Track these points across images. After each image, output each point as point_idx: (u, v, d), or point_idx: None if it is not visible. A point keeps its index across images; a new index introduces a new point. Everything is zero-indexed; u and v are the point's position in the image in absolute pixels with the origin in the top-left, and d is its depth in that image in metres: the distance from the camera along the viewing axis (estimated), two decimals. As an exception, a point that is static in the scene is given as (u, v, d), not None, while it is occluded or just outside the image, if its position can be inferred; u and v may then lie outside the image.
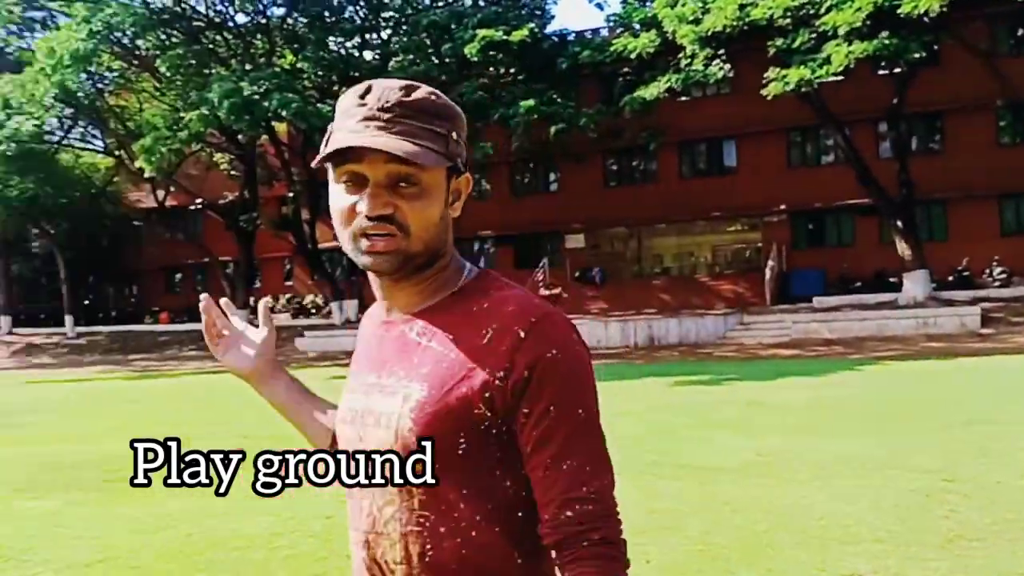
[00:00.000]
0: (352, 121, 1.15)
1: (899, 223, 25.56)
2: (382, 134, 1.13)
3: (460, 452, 1.14)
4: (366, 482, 1.20)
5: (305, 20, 28.20)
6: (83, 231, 38.78)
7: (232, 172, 34.25)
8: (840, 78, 21.35)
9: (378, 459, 1.17)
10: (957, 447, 7.56)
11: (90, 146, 36.79)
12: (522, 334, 1.14)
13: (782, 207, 31.82)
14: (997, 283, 27.07)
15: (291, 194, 32.22)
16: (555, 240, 35.60)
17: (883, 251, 29.69)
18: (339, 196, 1.17)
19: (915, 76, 25.11)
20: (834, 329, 23.92)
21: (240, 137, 29.56)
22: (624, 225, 35.44)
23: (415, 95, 1.17)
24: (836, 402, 11.11)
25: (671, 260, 38.41)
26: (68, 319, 37.01)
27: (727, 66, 22.57)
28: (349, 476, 1.23)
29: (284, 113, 23.01)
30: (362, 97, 1.17)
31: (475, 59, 24.51)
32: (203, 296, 1.47)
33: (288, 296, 38.60)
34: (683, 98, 31.04)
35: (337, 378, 20.25)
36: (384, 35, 29.56)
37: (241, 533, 5.78)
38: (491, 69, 26.69)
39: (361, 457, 1.20)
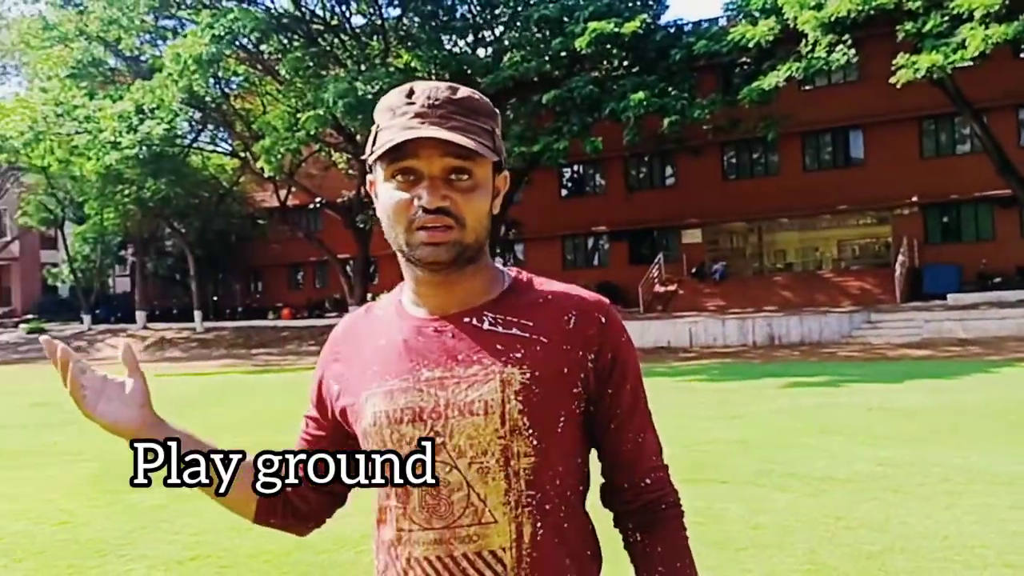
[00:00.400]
0: (404, 119, 1.19)
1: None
2: (438, 128, 1.17)
3: (559, 430, 1.22)
4: (462, 471, 1.19)
5: (419, 20, 28.45)
6: (212, 230, 40.54)
7: (349, 171, 34.98)
8: (974, 63, 19.83)
9: (472, 448, 1.19)
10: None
11: (218, 148, 38.30)
12: (603, 319, 1.26)
13: (913, 199, 30.15)
14: None
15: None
16: (671, 235, 34.86)
17: (1025, 245, 27.78)
18: (392, 192, 1.20)
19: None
20: (970, 328, 22.41)
21: (357, 137, 30.12)
22: (744, 219, 34.37)
23: (461, 93, 1.23)
24: (968, 408, 10.27)
25: (794, 256, 37.05)
26: (197, 314, 38.67)
27: (852, 52, 21.34)
28: (416, 476, 1.21)
29: None
30: (409, 96, 1.21)
31: (586, 52, 24.07)
32: (44, 340, 1.30)
33: (406, 292, 39.30)
34: (806, 87, 29.84)
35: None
36: (497, 32, 29.53)
37: (333, 534, 5.68)
38: (603, 62, 26.18)
39: (450, 447, 1.20)
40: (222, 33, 23.77)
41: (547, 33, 25.37)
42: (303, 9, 29.06)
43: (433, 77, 30.39)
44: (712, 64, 26.25)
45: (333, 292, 41.45)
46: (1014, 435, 8.28)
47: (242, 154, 34.81)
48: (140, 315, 40.61)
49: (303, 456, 1.38)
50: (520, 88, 27.53)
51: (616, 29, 22.92)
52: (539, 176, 32.48)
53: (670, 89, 24.09)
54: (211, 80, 31.45)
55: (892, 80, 20.98)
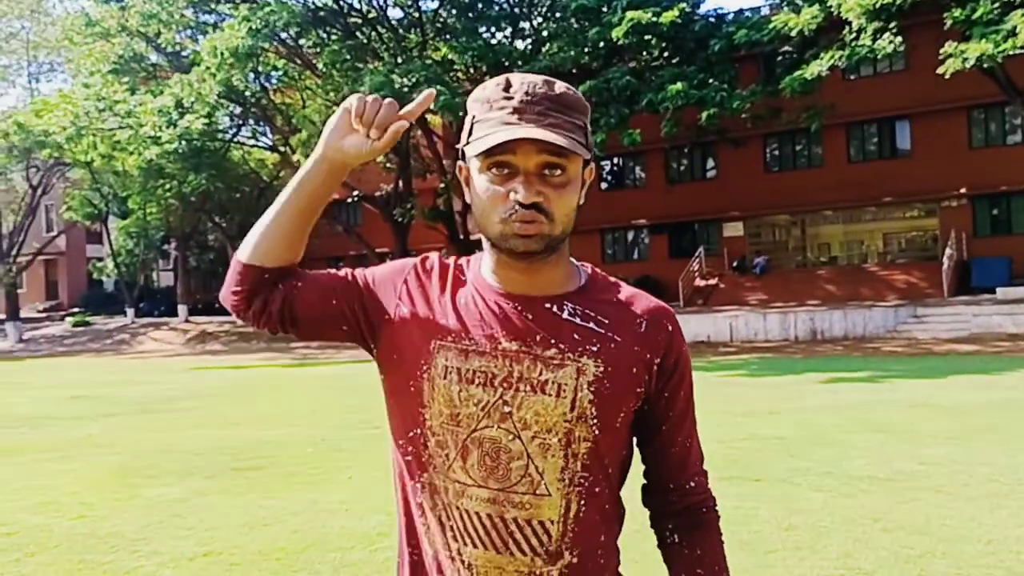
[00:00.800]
0: (502, 113, 1.24)
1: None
2: (534, 127, 1.21)
3: (617, 424, 1.31)
4: (524, 443, 1.27)
5: (456, 11, 28.29)
6: (252, 224, 40.62)
7: (388, 164, 35.00)
8: (1024, 51, 19.14)
9: (537, 424, 1.26)
10: None
11: (258, 143, 38.56)
12: (670, 328, 1.35)
13: (962, 191, 29.36)
14: None
15: (443, 185, 32.62)
16: (712, 228, 34.38)
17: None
18: (487, 184, 1.25)
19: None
20: (1021, 323, 21.74)
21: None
22: (787, 212, 33.78)
23: (557, 88, 1.27)
24: (1017, 406, 9.88)
25: (838, 249, 36.32)
26: (238, 308, 39.04)
27: (898, 39, 20.71)
28: (486, 438, 1.28)
29: (432, 105, 23.13)
30: (506, 90, 1.26)
31: (623, 43, 23.71)
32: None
33: (444, 286, 39.29)
34: (851, 76, 29.15)
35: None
36: (535, 23, 29.29)
37: (348, 531, 5.58)
38: (642, 53, 25.76)
39: (516, 419, 1.27)
40: (259, 26, 23.80)
41: (585, 23, 25.04)
42: (341, 3, 29.07)
43: (471, 70, 30.27)
44: (753, 54, 25.72)
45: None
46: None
47: (282, 148, 35.01)
48: (182, 309, 41.10)
49: (296, 292, 1.42)
50: (558, 78, 27.27)
51: (654, 19, 22.54)
52: (579, 169, 32.20)
53: (709, 80, 23.65)
54: (251, 74, 31.65)
55: (940, 70, 20.36)
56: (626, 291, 1.38)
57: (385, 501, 6.48)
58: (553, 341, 1.29)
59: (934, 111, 29.18)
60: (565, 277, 1.36)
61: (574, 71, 26.34)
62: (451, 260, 1.43)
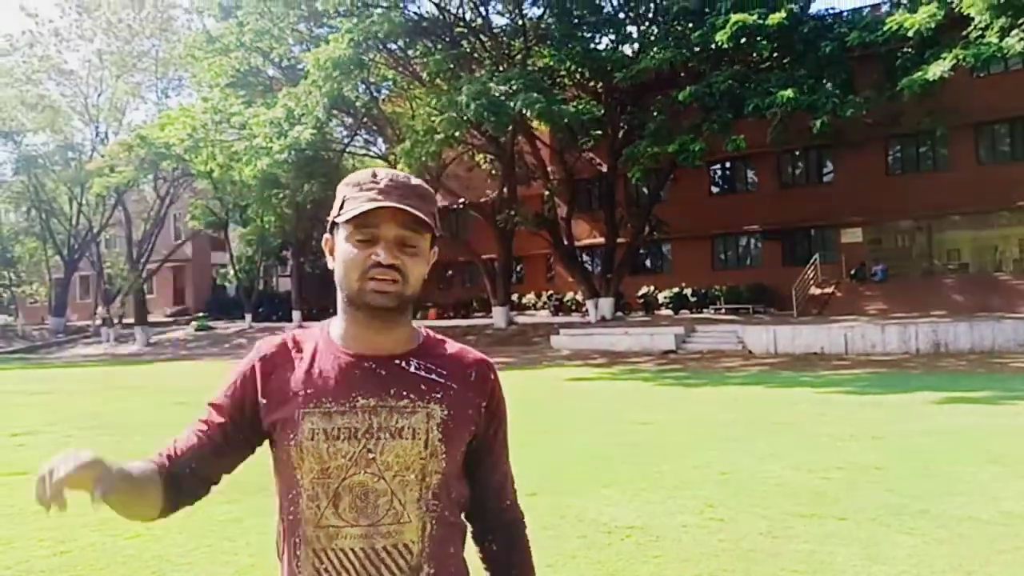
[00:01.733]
0: (371, 192, 1.49)
1: None
2: (401, 201, 1.48)
3: (458, 456, 1.55)
4: (387, 482, 1.47)
5: (558, 18, 28.05)
6: (364, 231, 41.58)
7: (493, 172, 35.05)
8: None
9: (397, 464, 1.47)
10: None
11: (369, 152, 39.30)
12: (492, 376, 1.63)
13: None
14: None
15: (549, 191, 32.39)
16: (829, 234, 32.93)
17: None
18: (352, 250, 1.50)
19: None
20: None
21: (501, 138, 30.09)
22: (910, 218, 32.00)
23: (414, 181, 1.55)
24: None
25: (968, 255, 34.18)
26: (346, 313, 39.86)
27: (1031, 35, 19.31)
28: (356, 483, 1.47)
29: (528, 112, 22.93)
30: (374, 177, 1.52)
31: (727, 46, 22.87)
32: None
33: (549, 293, 39.01)
34: (979, 74, 27.38)
35: (576, 379, 19.78)
36: (640, 28, 28.72)
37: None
38: (748, 55, 24.80)
39: (379, 463, 1.47)
40: (360, 37, 24.18)
41: (689, 26, 24.34)
42: (446, 12, 29.27)
43: (576, 75, 29.98)
44: (868, 54, 24.38)
45: (480, 292, 41.74)
46: None
47: (391, 158, 35.57)
48: (296, 314, 42.28)
49: (194, 464, 1.56)
50: (661, 83, 26.59)
51: (760, 20, 21.64)
52: (686, 173, 31.44)
53: (822, 83, 22.56)
54: (360, 85, 32.27)
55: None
56: (452, 346, 1.64)
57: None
58: (405, 392, 1.51)
59: (1074, 108, 27.12)
60: (408, 337, 1.58)
61: (682, 75, 25.66)
62: (287, 336, 1.62)
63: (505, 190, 32.53)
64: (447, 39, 29.08)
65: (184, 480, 1.55)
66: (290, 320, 43.00)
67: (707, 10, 23.39)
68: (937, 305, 27.74)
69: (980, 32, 19.81)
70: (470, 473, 1.62)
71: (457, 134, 25.15)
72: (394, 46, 30.24)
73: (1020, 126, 29.09)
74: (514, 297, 36.72)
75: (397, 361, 1.54)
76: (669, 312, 34.11)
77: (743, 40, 22.36)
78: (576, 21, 27.37)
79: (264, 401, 1.54)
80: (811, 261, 31.61)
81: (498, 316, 33.84)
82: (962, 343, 22.29)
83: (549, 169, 31.56)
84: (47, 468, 1.30)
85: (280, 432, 1.51)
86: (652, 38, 26.13)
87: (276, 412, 1.52)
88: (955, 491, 6.56)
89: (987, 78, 27.63)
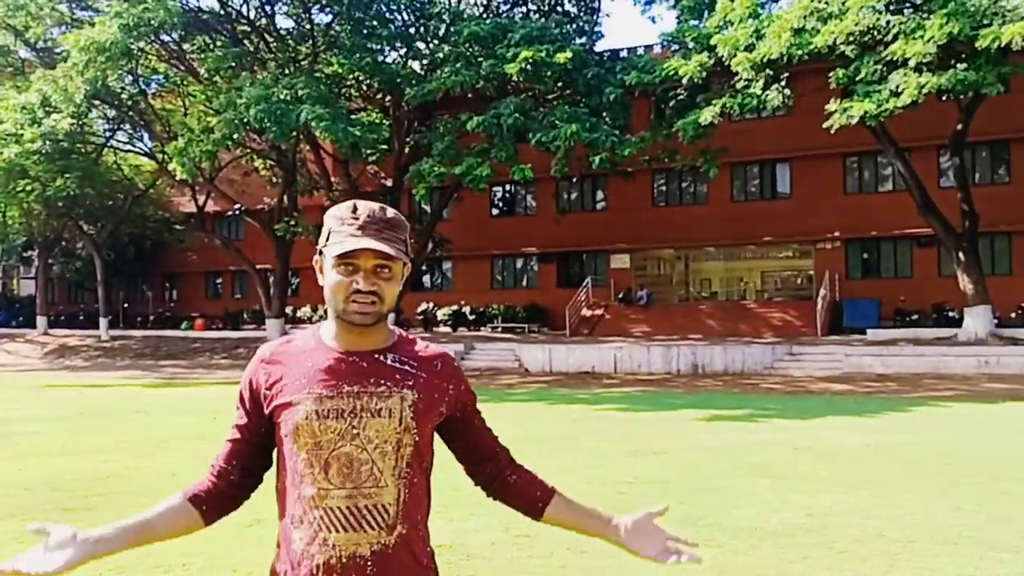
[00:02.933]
0: (351, 228, 1.77)
1: (961, 255, 24.04)
2: (372, 240, 1.75)
3: (427, 432, 1.84)
4: (368, 452, 1.76)
5: (349, 27, 27.62)
6: (125, 233, 38.72)
7: (273, 179, 33.81)
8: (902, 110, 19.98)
9: (377, 438, 1.76)
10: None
11: (134, 148, 36.71)
12: (455, 365, 1.93)
13: (836, 234, 30.46)
14: (1065, 323, 25.40)
15: (330, 203, 31.65)
16: (600, 259, 34.58)
17: (942, 284, 28.18)
18: (337, 276, 1.78)
19: (980, 103, 23.67)
20: (889, 364, 22.54)
21: (283, 145, 29.09)
22: (671, 246, 34.32)
23: (389, 214, 1.81)
24: (894, 452, 9.92)
25: (719, 284, 37.17)
26: (103, 322, 36.85)
27: (787, 92, 21.36)
28: (342, 454, 1.76)
29: (314, 126, 22.30)
30: (354, 212, 1.79)
31: (516, 79, 23.52)
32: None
33: (326, 307, 38.05)
34: (736, 119, 29.91)
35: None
36: (430, 46, 28.84)
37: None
38: (535, 88, 25.55)
39: (362, 437, 1.76)
40: (132, 23, 22.48)
41: (479, 50, 24.74)
42: (228, 8, 27.95)
43: (363, 87, 29.58)
44: (646, 92, 26.01)
45: (253, 303, 40.01)
46: (944, 484, 7.89)
47: (160, 156, 33.40)
48: (40, 320, 38.53)
49: (235, 461, 1.90)
50: (449, 103, 26.78)
51: (547, 57, 22.42)
52: (469, 194, 31.86)
53: (603, 122, 23.75)
54: (127, 76, 30.09)
55: (825, 125, 21.03)
56: (422, 343, 1.92)
57: (229, 555, 5.81)
58: (383, 380, 1.80)
59: (813, 156, 30.26)
60: (386, 337, 1.87)
61: (470, 95, 26.00)
62: (284, 339, 1.93)
63: (285, 198, 31.46)
64: (228, 36, 27.76)
65: (220, 489, 1.90)
66: (33, 327, 39.11)
67: (498, 37, 23.88)
68: (694, 329, 29.87)
69: (746, 83, 21.68)
70: (461, 439, 1.96)
71: (236, 136, 23.92)
72: (168, 38, 28.49)
73: (768, 168, 32.06)
74: (288, 310, 35.48)
75: (376, 355, 1.83)
76: (448, 329, 34.37)
77: (532, 73, 23.00)
78: (366, 32, 27.04)
79: (268, 392, 1.84)
80: (583, 284, 33.06)
81: (272, 329, 32.58)
82: (717, 365, 24.11)
83: (333, 180, 30.84)
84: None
85: (281, 415, 1.81)
86: (442, 57, 26.34)
87: (278, 399, 1.82)
88: (738, 503, 6.98)
89: (742, 122, 30.22)
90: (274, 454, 1.91)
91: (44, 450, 10.48)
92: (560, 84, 25.19)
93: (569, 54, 22.71)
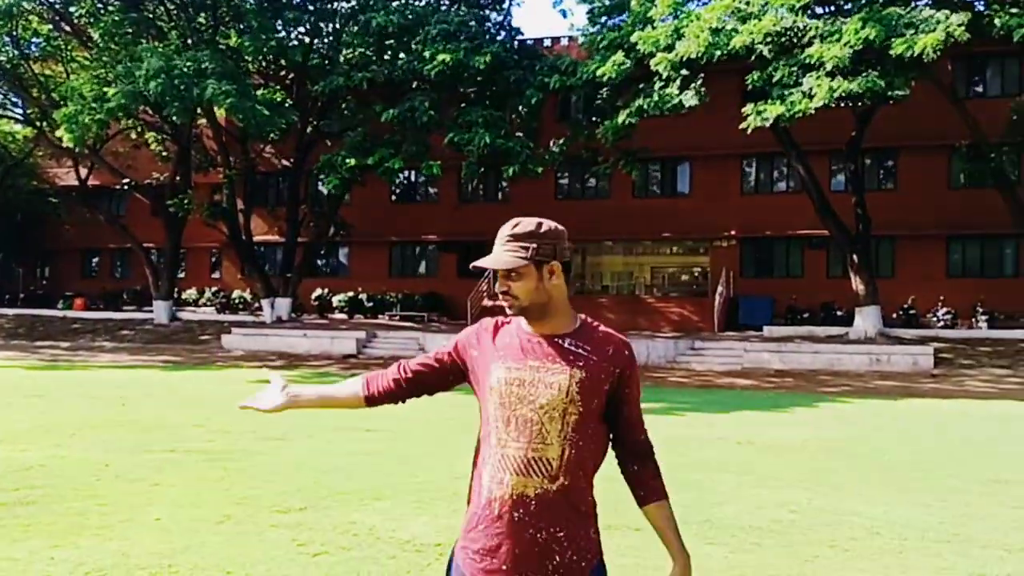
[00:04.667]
0: (495, 244, 2.25)
1: (854, 257, 25.17)
2: (496, 254, 2.23)
3: (592, 406, 2.17)
4: (539, 415, 2.15)
5: (254, 3, 26.50)
6: (-8, 202, 36.01)
7: (164, 153, 32.17)
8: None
9: (548, 405, 2.15)
10: (1012, 515, 6.66)
11: (9, 114, 34.25)
12: (627, 353, 2.25)
13: (732, 232, 31.36)
14: (941, 323, 26.96)
15: (227, 181, 30.38)
16: (501, 250, 34.40)
17: (830, 284, 29.46)
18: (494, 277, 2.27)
19: (876, 111, 24.83)
20: (786, 360, 23.37)
21: (173, 117, 27.70)
22: (571, 240, 34.38)
23: (515, 229, 2.24)
24: (835, 446, 10.21)
25: (612, 279, 37.69)
26: (-30, 299, 34.31)
27: (703, 91, 21.79)
28: (520, 414, 2.18)
29: (217, 104, 21.25)
30: (501, 231, 2.26)
31: (433, 79, 23.09)
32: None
33: (214, 289, 36.60)
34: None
35: (265, 381, 18.59)
36: (337, 25, 27.97)
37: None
38: (454, 86, 25.07)
39: (536, 403, 2.16)
40: (29, -20, 20.93)
41: (387, 45, 24.15)
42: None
43: (266, 64, 28.45)
44: (560, 93, 26.03)
45: (134, 283, 38.03)
46: (898, 480, 8.13)
47: (38, 123, 31.26)
48: None
49: (418, 378, 2.41)
50: (357, 89, 25.97)
51: (465, 59, 22.11)
52: (370, 178, 31.21)
53: (515, 127, 23.71)
54: (6, 38, 28.05)
55: (742, 126, 21.50)
56: (604, 331, 2.27)
57: (212, 554, 5.38)
58: (558, 359, 2.19)
59: (712, 156, 31.06)
60: (566, 323, 2.25)
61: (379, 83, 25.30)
62: (496, 319, 2.36)
63: (178, 176, 29.99)
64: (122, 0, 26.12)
65: (390, 386, 2.40)
66: None
67: (411, 29, 23.36)
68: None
69: (664, 83, 21.98)
70: (617, 414, 2.25)
71: (132, 108, 22.57)
72: (53, -1, 26.69)
73: (669, 166, 32.68)
74: (176, 291, 33.91)
75: (557, 339, 2.23)
76: (343, 316, 33.60)
77: (449, 75, 22.64)
78: (267, 6, 25.93)
79: (475, 352, 2.32)
80: (485, 275, 32.88)
81: (160, 311, 31.09)
82: (622, 358, 24.38)
83: (232, 159, 29.60)
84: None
85: (481, 377, 2.28)
86: (348, 43, 25.54)
87: (479, 364, 2.29)
88: (715, 500, 6.97)
89: (647, 120, 30.68)
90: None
91: (-56, 439, 9.57)
92: (479, 87, 24.85)
93: (489, 57, 22.48)
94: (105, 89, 22.55)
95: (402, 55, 23.05)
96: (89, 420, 11.45)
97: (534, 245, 2.20)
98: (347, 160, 23.67)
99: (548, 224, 2.27)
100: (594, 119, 24.02)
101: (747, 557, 5.31)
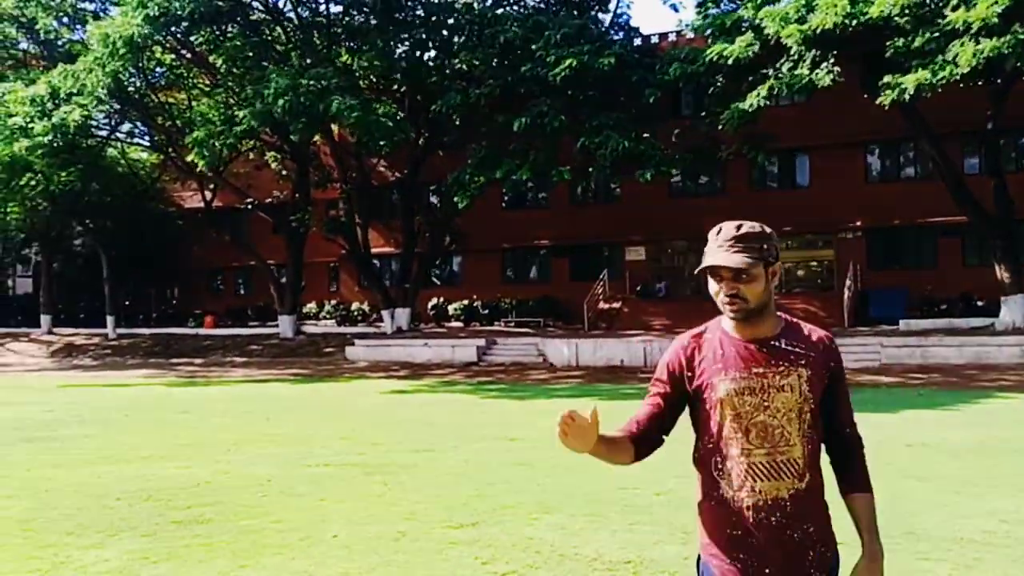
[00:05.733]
0: (713, 246, 2.27)
1: (998, 243, 23.67)
2: (727, 254, 2.22)
3: (820, 400, 2.25)
4: (778, 419, 2.22)
5: (365, 18, 26.90)
6: (127, 229, 37.77)
7: (283, 171, 33.06)
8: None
9: (784, 408, 2.21)
10: None
11: (141, 142, 35.86)
12: (834, 346, 2.35)
13: (857, 223, 30.09)
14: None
15: (344, 196, 30.97)
16: (615, 251, 34.04)
17: (967, 273, 27.89)
18: (712, 282, 2.28)
19: (1011, 89, 23.31)
20: (928, 355, 22.14)
21: (293, 136, 28.40)
22: (685, 238, 33.79)
23: (742, 231, 2.26)
24: (1020, 446, 9.48)
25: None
26: (109, 319, 36.01)
27: (836, 69, 20.71)
28: (758, 422, 2.23)
29: (344, 119, 21.56)
30: (718, 234, 2.29)
31: (558, 84, 22.82)
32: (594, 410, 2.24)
33: (334, 302, 37.41)
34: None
35: (396, 392, 18.82)
36: (456, 39, 28.07)
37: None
38: (576, 90, 24.68)
39: (772, 408, 2.22)
40: (156, 13, 21.74)
41: (513, 57, 24.01)
42: (243, -4, 27.19)
43: (379, 79, 28.84)
44: (687, 84, 25.45)
45: (256, 300, 39.26)
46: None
47: (167, 149, 32.57)
48: (45, 319, 37.63)
49: (654, 422, 2.37)
50: (474, 106, 25.92)
51: (590, 61, 21.78)
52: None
53: (645, 134, 23.34)
54: (132, 69, 29.34)
55: (879, 100, 20.38)
56: (807, 326, 2.37)
57: (400, 574, 5.26)
58: (782, 362, 2.25)
59: (832, 145, 29.89)
60: (775, 324, 2.32)
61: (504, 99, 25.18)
62: (695, 332, 2.39)
63: (297, 193, 30.76)
64: (241, 24, 26.94)
65: (645, 440, 2.36)
66: (36, 326, 38.14)
67: (532, 39, 23.19)
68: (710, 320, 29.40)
69: (793, 63, 21.08)
70: (829, 407, 2.31)
71: (261, 128, 23.21)
72: (176, 28, 27.71)
73: (787, 157, 31.60)
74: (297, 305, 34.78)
75: (772, 342, 2.27)
76: (459, 324, 33.80)
77: (574, 78, 22.39)
78: (382, 23, 26.27)
79: (689, 374, 2.32)
80: (600, 277, 32.53)
81: (285, 325, 31.93)
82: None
83: (347, 173, 30.16)
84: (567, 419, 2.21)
85: (704, 392, 2.29)
86: (468, 56, 25.60)
87: (698, 379, 2.30)
88: (914, 510, 6.46)
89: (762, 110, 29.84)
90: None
91: (109, 455, 9.87)
92: (602, 90, 24.50)
93: (613, 59, 22.14)
94: (234, 112, 23.27)
95: (526, 64, 22.91)
96: (240, 435, 11.66)
97: (764, 246, 2.24)
98: (476, 177, 23.76)
99: (767, 227, 2.30)
100: (714, 109, 23.24)
101: (970, 574, 4.85)
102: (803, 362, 2.23)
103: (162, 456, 9.85)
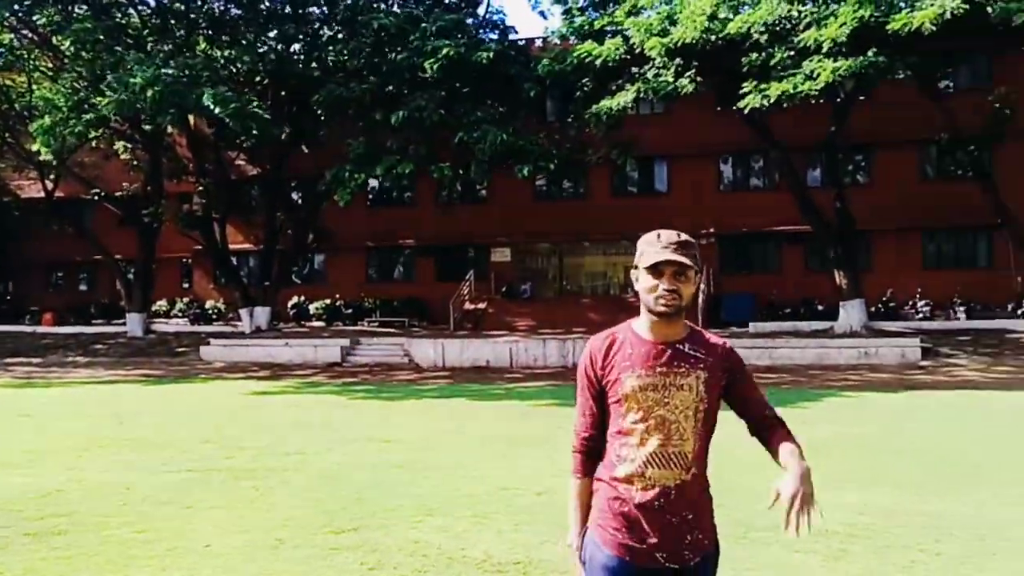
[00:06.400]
0: (657, 248, 2.50)
1: (838, 251, 25.29)
2: (675, 255, 2.47)
3: (714, 400, 2.53)
4: (675, 415, 2.48)
5: (225, 6, 25.93)
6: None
7: (134, 162, 31.41)
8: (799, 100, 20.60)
9: (682, 405, 2.48)
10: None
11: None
12: (733, 353, 2.62)
13: (711, 230, 31.42)
14: (920, 315, 27.26)
15: (202, 190, 29.73)
16: (481, 253, 34.18)
17: (808, 279, 29.66)
18: (647, 279, 2.52)
19: (853, 105, 25.00)
20: (774, 356, 23.39)
21: (146, 126, 27.00)
22: (549, 241, 34.33)
23: (683, 238, 2.53)
24: (867, 441, 10.11)
25: (590, 279, 37.55)
26: (-65, 316, 33.24)
27: (699, 79, 21.60)
28: (657, 416, 2.48)
29: (218, 110, 20.67)
30: (658, 238, 2.52)
31: (434, 77, 22.69)
32: None
33: (187, 300, 35.84)
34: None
35: (258, 393, 18.18)
36: (325, 32, 27.42)
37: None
38: (452, 84, 24.61)
39: (671, 404, 2.48)
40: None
41: (386, 45, 23.68)
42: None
43: (245, 71, 27.86)
44: (551, 87, 25.80)
45: (100, 296, 37.17)
46: (948, 477, 8.03)
47: (4, 135, 30.32)
48: None
49: (599, 426, 2.62)
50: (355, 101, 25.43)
51: (468, 54, 21.76)
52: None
53: (524, 126, 23.48)
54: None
55: (740, 104, 21.34)
56: (708, 334, 2.64)
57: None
58: (683, 364, 2.51)
59: (689, 155, 31.15)
60: (683, 329, 2.58)
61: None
62: (607, 333, 2.65)
63: (149, 185, 29.31)
64: (91, 4, 25.37)
65: (596, 449, 2.62)
66: None
67: (408, 30, 22.96)
68: (578, 321, 29.95)
69: (658, 71, 21.80)
70: (741, 401, 2.61)
71: (118, 117, 21.92)
72: (16, 6, 25.85)
73: (648, 165, 32.62)
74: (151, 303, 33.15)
75: (678, 345, 2.53)
76: (321, 324, 33.10)
77: (450, 70, 22.28)
78: (249, 14, 25.39)
79: (602, 371, 2.57)
80: (465, 277, 32.59)
81: (134, 323, 30.37)
82: (611, 358, 24.25)
83: (204, 165, 28.98)
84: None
85: (611, 388, 2.54)
86: (339, 47, 25.04)
87: (610, 375, 2.55)
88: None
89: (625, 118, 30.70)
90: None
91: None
92: (478, 83, 24.49)
93: (490, 52, 22.20)
94: (88, 99, 21.85)
95: (402, 54, 22.62)
96: (90, 440, 11.00)
97: (696, 254, 2.52)
98: (355, 175, 23.30)
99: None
100: (582, 112, 23.73)
101: (839, 565, 5.14)
102: (702, 365, 2.50)
103: (3, 463, 9.16)
